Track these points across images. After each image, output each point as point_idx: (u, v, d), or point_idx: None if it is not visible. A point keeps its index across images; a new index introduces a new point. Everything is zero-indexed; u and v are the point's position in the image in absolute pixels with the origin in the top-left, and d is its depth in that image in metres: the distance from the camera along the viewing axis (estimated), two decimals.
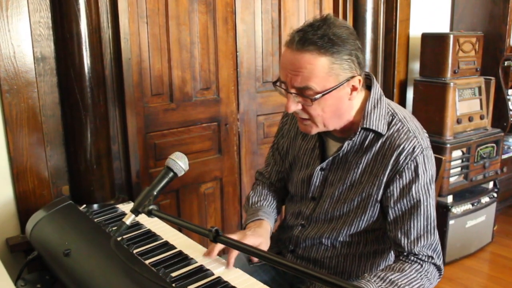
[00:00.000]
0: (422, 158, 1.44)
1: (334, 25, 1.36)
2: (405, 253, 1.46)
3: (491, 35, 3.55)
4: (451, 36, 3.16)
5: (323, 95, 1.36)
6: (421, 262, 1.44)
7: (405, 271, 1.40)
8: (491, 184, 3.57)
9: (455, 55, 3.18)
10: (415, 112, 3.38)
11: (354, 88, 1.43)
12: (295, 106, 1.42)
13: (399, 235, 1.47)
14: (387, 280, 1.37)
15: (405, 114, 1.53)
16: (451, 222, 3.24)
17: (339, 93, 1.40)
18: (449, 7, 3.81)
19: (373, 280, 1.36)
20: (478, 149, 3.31)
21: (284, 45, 1.42)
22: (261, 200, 1.79)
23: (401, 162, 1.43)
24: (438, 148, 3.12)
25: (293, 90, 1.39)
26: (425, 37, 3.31)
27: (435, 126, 3.20)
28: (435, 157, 1.79)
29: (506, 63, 3.61)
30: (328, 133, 1.60)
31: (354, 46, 1.38)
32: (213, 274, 1.39)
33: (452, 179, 3.22)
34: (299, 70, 1.35)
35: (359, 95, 1.50)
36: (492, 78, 3.41)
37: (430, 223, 1.46)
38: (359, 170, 1.51)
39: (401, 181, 1.45)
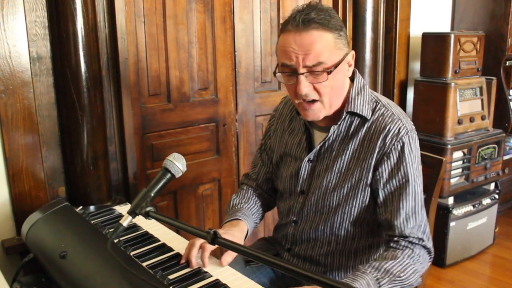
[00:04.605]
0: (408, 139, 1.48)
1: (321, 9, 1.43)
2: (395, 238, 1.48)
3: (493, 34, 3.54)
4: (452, 36, 3.15)
5: (335, 67, 1.41)
6: (411, 246, 1.46)
7: (398, 257, 1.42)
8: (492, 186, 3.55)
9: (456, 55, 3.16)
10: (415, 113, 3.37)
11: (349, 64, 1.51)
12: (307, 87, 1.43)
13: (389, 217, 1.49)
14: (382, 269, 1.38)
15: (388, 101, 1.59)
16: (452, 224, 3.23)
17: (343, 67, 1.46)
18: (450, 6, 3.80)
19: (368, 271, 1.37)
20: (479, 150, 3.29)
21: (283, 31, 1.45)
22: (242, 203, 1.77)
23: (387, 144, 1.47)
24: (439, 149, 3.10)
25: (304, 70, 1.41)
26: (426, 37, 3.30)
27: (435, 127, 3.19)
28: (436, 158, 1.80)
29: (507, 63, 3.60)
30: (314, 125, 1.64)
31: (342, 24, 1.46)
32: (211, 277, 1.38)
33: (453, 180, 3.21)
34: (309, 47, 1.38)
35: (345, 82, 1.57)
36: (494, 78, 3.40)
37: (417, 203, 1.49)
38: (346, 157, 1.54)
39: (389, 162, 1.48)
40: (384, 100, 1.57)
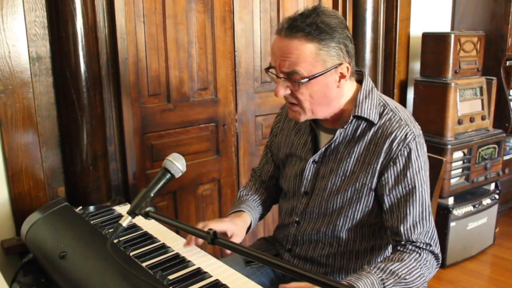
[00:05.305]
0: (415, 145, 1.46)
1: (323, 13, 1.41)
2: (402, 242, 1.47)
3: (493, 34, 3.53)
4: (452, 36, 3.14)
5: (309, 79, 1.40)
6: (419, 251, 1.45)
7: (405, 260, 1.41)
8: (492, 186, 3.55)
9: (456, 55, 3.16)
10: (415, 113, 3.37)
11: (342, 76, 1.46)
12: (283, 90, 1.46)
13: (396, 223, 1.48)
14: (387, 270, 1.37)
15: (396, 105, 1.56)
16: (452, 224, 3.22)
17: (326, 79, 1.43)
18: (450, 6, 3.80)
19: (373, 272, 1.36)
20: (480, 150, 3.28)
21: (274, 33, 1.48)
22: (248, 195, 1.83)
23: (394, 149, 1.46)
24: (439, 149, 3.10)
25: (281, 75, 1.44)
26: (426, 37, 3.29)
27: (436, 127, 3.18)
28: (436, 158, 1.79)
29: (507, 63, 3.59)
30: (320, 126, 1.63)
31: (343, 34, 1.42)
32: (211, 277, 1.38)
33: (453, 181, 3.20)
34: (287, 55, 1.40)
35: (350, 85, 1.53)
36: (494, 78, 3.39)
37: (425, 209, 1.47)
38: (352, 160, 1.53)
39: (395, 168, 1.46)
40: (392, 104, 1.55)
